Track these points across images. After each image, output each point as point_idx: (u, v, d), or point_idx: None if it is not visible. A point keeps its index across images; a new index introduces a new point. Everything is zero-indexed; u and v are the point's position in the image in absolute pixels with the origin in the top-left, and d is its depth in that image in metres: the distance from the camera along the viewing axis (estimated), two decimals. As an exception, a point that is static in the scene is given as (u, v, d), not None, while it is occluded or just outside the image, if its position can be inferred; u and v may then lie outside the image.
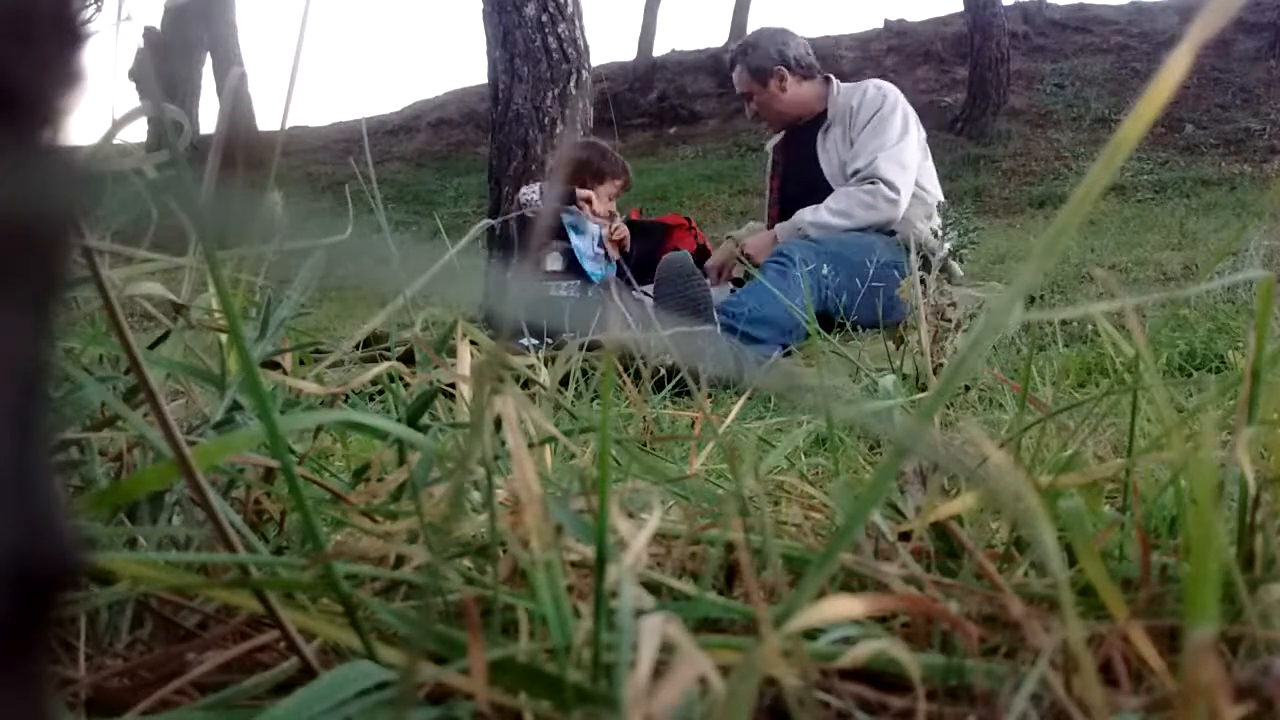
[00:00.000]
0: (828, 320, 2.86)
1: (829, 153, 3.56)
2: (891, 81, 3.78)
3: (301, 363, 0.67)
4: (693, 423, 0.91)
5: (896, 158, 3.39)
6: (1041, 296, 4.10)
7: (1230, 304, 3.25)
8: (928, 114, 6.04)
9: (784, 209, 3.66)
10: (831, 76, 3.75)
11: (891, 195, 3.33)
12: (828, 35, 15.92)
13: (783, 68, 3.63)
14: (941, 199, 3.63)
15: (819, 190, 3.48)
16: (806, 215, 3.35)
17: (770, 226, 3.68)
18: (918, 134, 3.58)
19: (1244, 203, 8.57)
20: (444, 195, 12.37)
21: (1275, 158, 10.83)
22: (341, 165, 13.17)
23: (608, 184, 3.46)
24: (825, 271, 3.03)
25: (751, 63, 3.68)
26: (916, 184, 3.47)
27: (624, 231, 3.41)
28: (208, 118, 15.94)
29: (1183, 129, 12.36)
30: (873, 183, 3.34)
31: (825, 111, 3.64)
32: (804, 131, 3.68)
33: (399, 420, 0.57)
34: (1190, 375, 2.10)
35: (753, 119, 3.91)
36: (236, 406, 0.48)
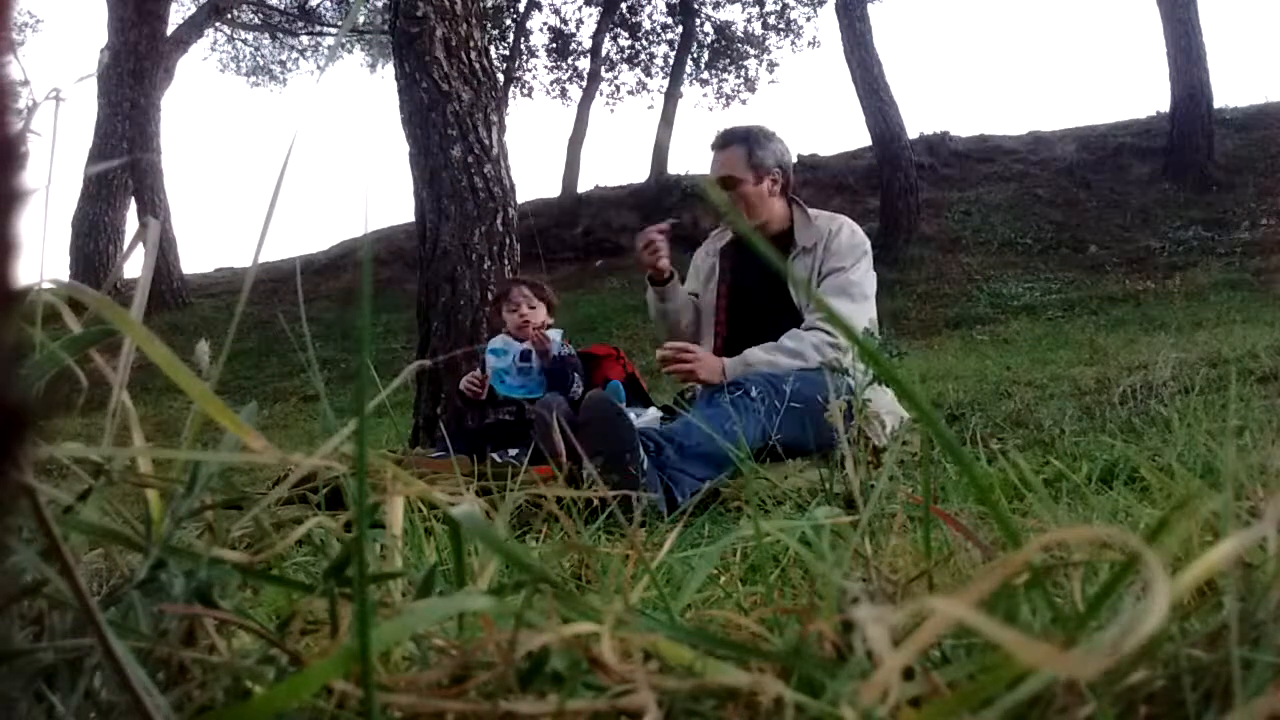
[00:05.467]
0: (773, 452, 2.73)
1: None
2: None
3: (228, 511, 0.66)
4: (627, 556, 0.91)
5: (868, 312, 3.36)
6: (962, 414, 4.20)
7: (1143, 416, 3.36)
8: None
9: (731, 326, 3.59)
10: (799, 201, 3.63)
11: (844, 344, 3.16)
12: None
13: (780, 171, 3.54)
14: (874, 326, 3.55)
15: (777, 316, 3.39)
16: (761, 355, 3.24)
17: (716, 335, 3.59)
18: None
19: (1149, 317, 8.95)
20: (373, 331, 12.37)
21: (1176, 274, 11.36)
22: (268, 305, 13.12)
23: (510, 300, 3.67)
24: (778, 404, 2.91)
25: (758, 152, 3.53)
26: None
27: (545, 341, 3.54)
28: (133, 262, 15.85)
29: (1087, 249, 12.95)
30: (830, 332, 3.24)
31: (790, 233, 3.53)
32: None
33: (328, 569, 0.57)
34: (1109, 487, 2.15)
35: (721, 210, 3.61)
36: (161, 564, 0.47)
